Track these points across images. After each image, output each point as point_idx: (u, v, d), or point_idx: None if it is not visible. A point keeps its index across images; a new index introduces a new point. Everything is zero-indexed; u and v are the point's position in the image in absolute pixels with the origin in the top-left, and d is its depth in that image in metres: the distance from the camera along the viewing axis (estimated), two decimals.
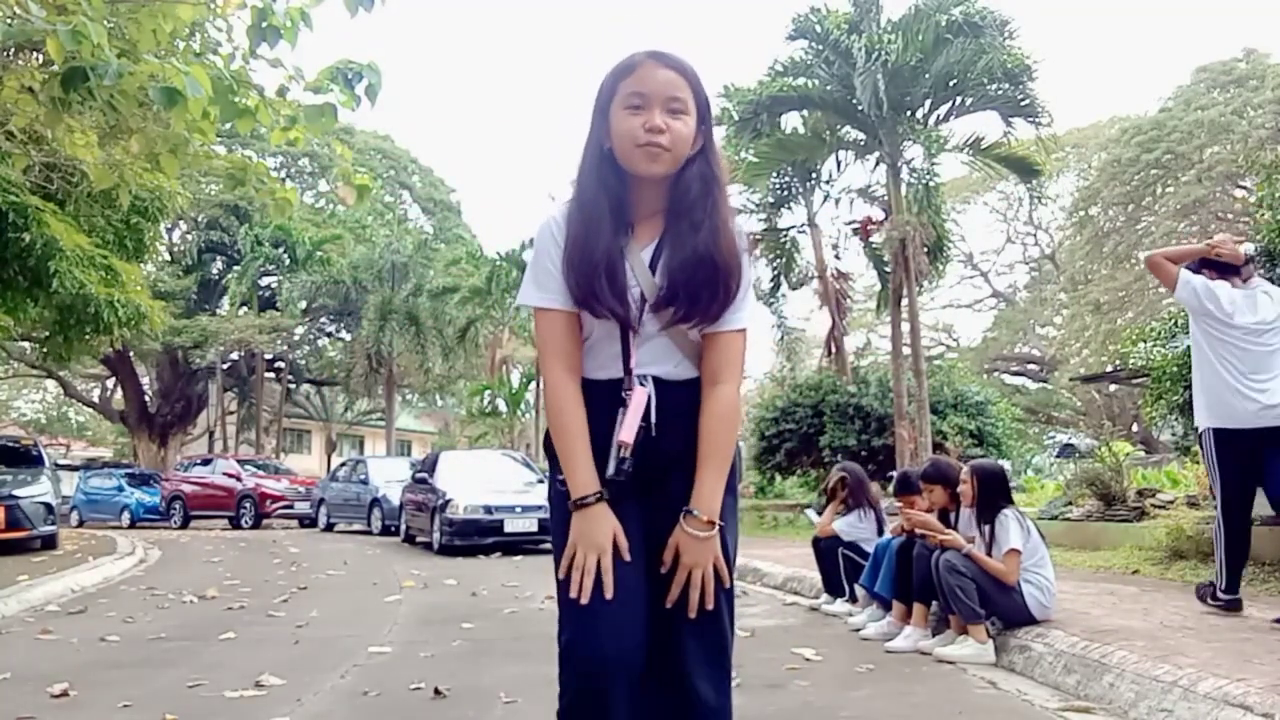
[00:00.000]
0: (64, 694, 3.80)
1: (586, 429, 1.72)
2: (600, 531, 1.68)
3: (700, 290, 1.70)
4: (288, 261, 28.62)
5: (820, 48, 14.11)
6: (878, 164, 15.10)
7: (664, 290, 1.71)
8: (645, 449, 1.70)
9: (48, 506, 11.12)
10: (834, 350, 17.30)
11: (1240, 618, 4.46)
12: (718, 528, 1.71)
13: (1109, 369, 18.60)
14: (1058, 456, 25.73)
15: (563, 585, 1.72)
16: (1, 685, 4.08)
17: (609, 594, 1.66)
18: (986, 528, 4.44)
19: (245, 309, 28.54)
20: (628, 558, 1.69)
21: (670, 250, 1.73)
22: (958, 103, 13.94)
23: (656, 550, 1.73)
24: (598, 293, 1.69)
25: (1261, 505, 4.69)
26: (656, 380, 1.74)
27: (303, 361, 33.75)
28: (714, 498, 1.71)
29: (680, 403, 1.74)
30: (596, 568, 1.67)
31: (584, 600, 1.65)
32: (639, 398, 1.71)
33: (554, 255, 1.74)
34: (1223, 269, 4.65)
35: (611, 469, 1.69)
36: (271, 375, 32.35)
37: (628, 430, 1.68)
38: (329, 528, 17.43)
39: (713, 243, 1.72)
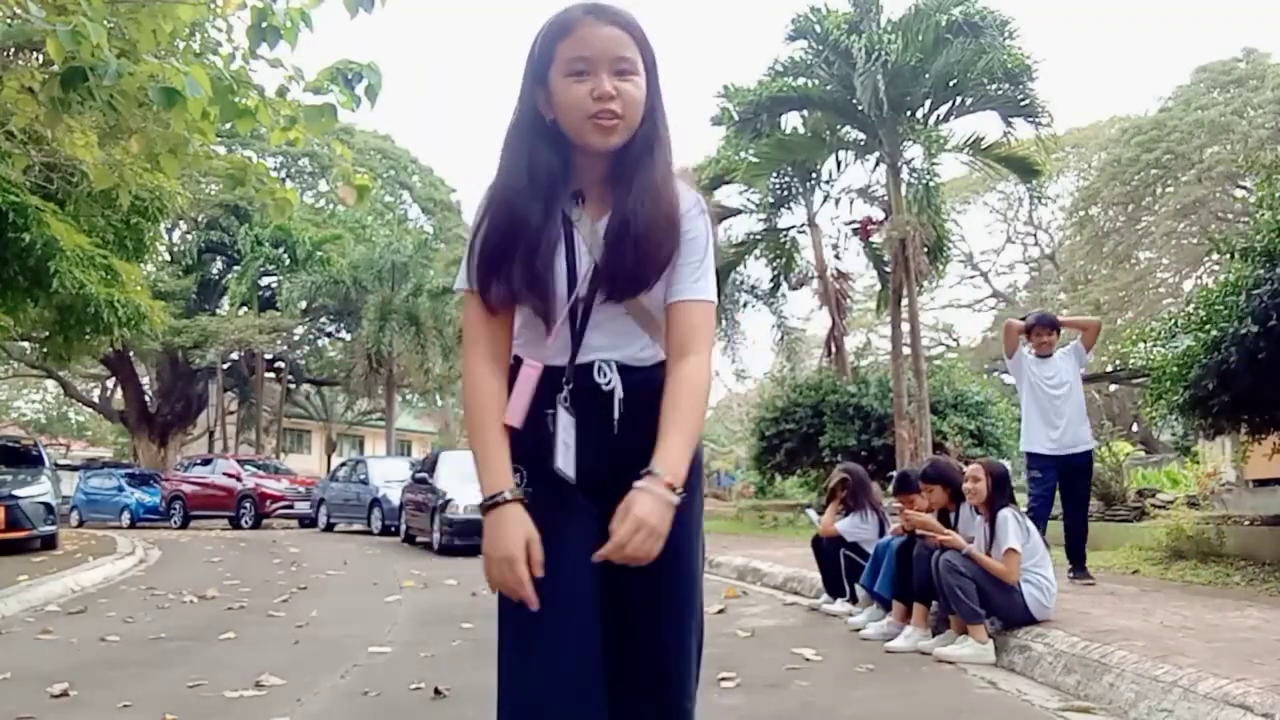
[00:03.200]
0: (64, 694, 3.80)
1: (499, 421, 1.52)
2: (510, 537, 1.46)
3: (625, 257, 1.53)
4: (288, 261, 28.62)
5: (820, 48, 14.10)
6: (878, 164, 15.09)
7: (601, 262, 1.55)
8: (608, 445, 1.54)
9: (48, 506, 11.13)
10: (834, 350, 17.30)
11: (1241, 617, 4.46)
12: (679, 499, 1.43)
13: (1109, 369, 18.59)
14: None
15: (501, 616, 1.54)
16: (1, 685, 4.08)
17: (533, 606, 1.43)
18: (987, 527, 4.45)
19: (245, 309, 28.53)
20: (539, 572, 1.45)
21: (611, 223, 1.56)
22: (958, 103, 13.93)
23: (615, 573, 1.47)
24: (530, 269, 1.52)
25: (1262, 505, 4.74)
26: (620, 367, 1.56)
27: (303, 361, 33.74)
28: (680, 463, 1.45)
29: (648, 391, 1.54)
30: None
31: (518, 633, 1.45)
32: (525, 373, 1.53)
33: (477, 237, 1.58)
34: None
35: (558, 458, 1.51)
36: (271, 375, 32.34)
37: (512, 409, 1.51)
38: (329, 528, 17.43)
39: (640, 206, 1.54)
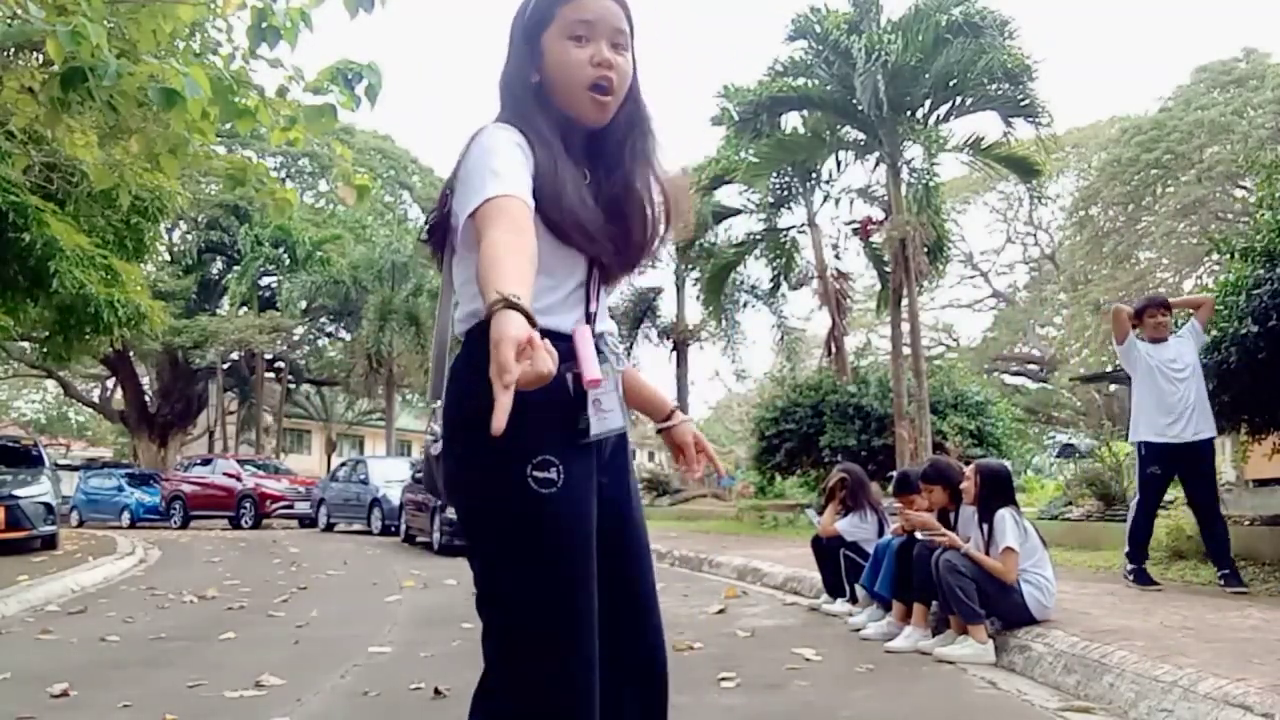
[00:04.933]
0: (64, 694, 3.80)
1: (530, 249, 1.28)
2: (520, 325, 1.13)
3: (646, 234, 1.53)
4: (288, 261, 28.63)
5: (820, 48, 14.10)
6: (878, 164, 15.09)
7: (619, 233, 1.52)
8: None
9: (48, 506, 11.13)
10: (834, 350, 17.29)
11: (1241, 617, 4.46)
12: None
13: (1109, 369, 18.59)
14: (1058, 456, 25.72)
15: (536, 604, 1.41)
16: (1, 685, 4.08)
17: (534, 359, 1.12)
18: (986, 527, 4.45)
19: (245, 309, 28.55)
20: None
21: (611, 196, 1.52)
22: (958, 103, 13.93)
23: (613, 548, 1.50)
24: (590, 228, 1.45)
25: (1262, 505, 4.73)
26: (610, 339, 1.56)
27: (303, 361, 33.75)
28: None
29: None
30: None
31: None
32: (584, 331, 1.36)
33: (522, 160, 1.40)
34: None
35: (593, 425, 1.44)
36: (271, 375, 32.34)
37: (590, 364, 1.29)
38: (329, 528, 17.44)
39: (649, 194, 1.54)
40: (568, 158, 1.46)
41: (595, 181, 1.52)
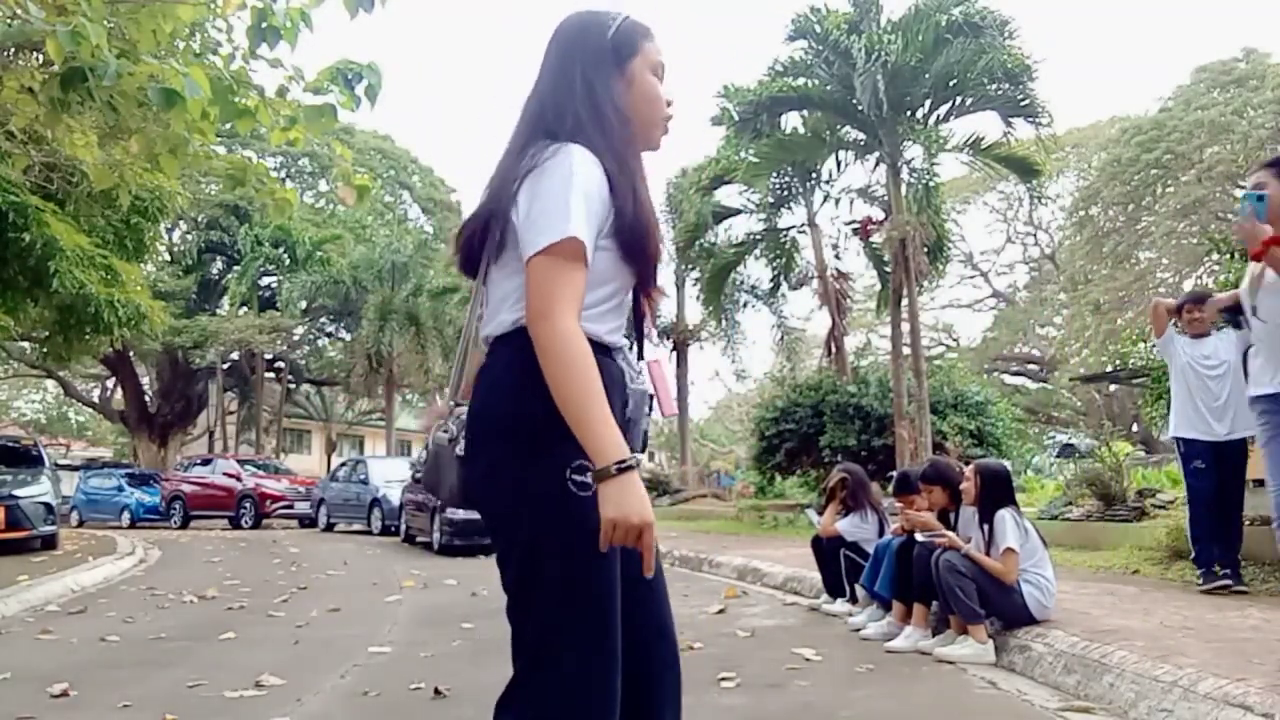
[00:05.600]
0: (64, 694, 3.80)
1: (603, 391, 1.41)
2: (645, 499, 1.37)
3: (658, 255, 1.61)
4: (288, 261, 28.63)
5: (820, 48, 14.10)
6: (878, 164, 15.09)
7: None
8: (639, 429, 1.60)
9: (48, 506, 11.13)
10: (834, 350, 17.30)
11: (1241, 617, 4.46)
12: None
13: (1109, 369, 18.59)
14: (1058, 456, 25.71)
15: (584, 598, 1.45)
16: (1, 685, 4.08)
17: (649, 573, 1.40)
18: (986, 527, 4.45)
19: (245, 309, 28.54)
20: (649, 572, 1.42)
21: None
22: (958, 103, 13.93)
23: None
24: (659, 245, 1.54)
25: (1262, 505, 4.73)
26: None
27: (303, 361, 33.75)
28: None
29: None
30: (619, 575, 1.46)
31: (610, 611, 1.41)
32: (659, 367, 1.57)
33: (605, 198, 1.48)
34: None
35: (640, 445, 1.54)
36: (271, 375, 32.34)
37: (669, 399, 1.56)
38: (329, 528, 17.44)
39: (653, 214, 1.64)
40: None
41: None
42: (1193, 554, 5.84)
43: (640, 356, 1.60)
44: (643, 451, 1.60)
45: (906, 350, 14.48)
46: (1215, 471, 5.60)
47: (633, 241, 1.50)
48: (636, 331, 1.59)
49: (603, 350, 1.48)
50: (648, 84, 1.56)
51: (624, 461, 1.36)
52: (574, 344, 1.39)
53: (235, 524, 19.27)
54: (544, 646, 1.46)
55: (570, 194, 1.42)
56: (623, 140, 1.53)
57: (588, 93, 1.55)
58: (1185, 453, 5.71)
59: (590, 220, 1.44)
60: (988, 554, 4.38)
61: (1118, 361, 16.68)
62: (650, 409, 1.58)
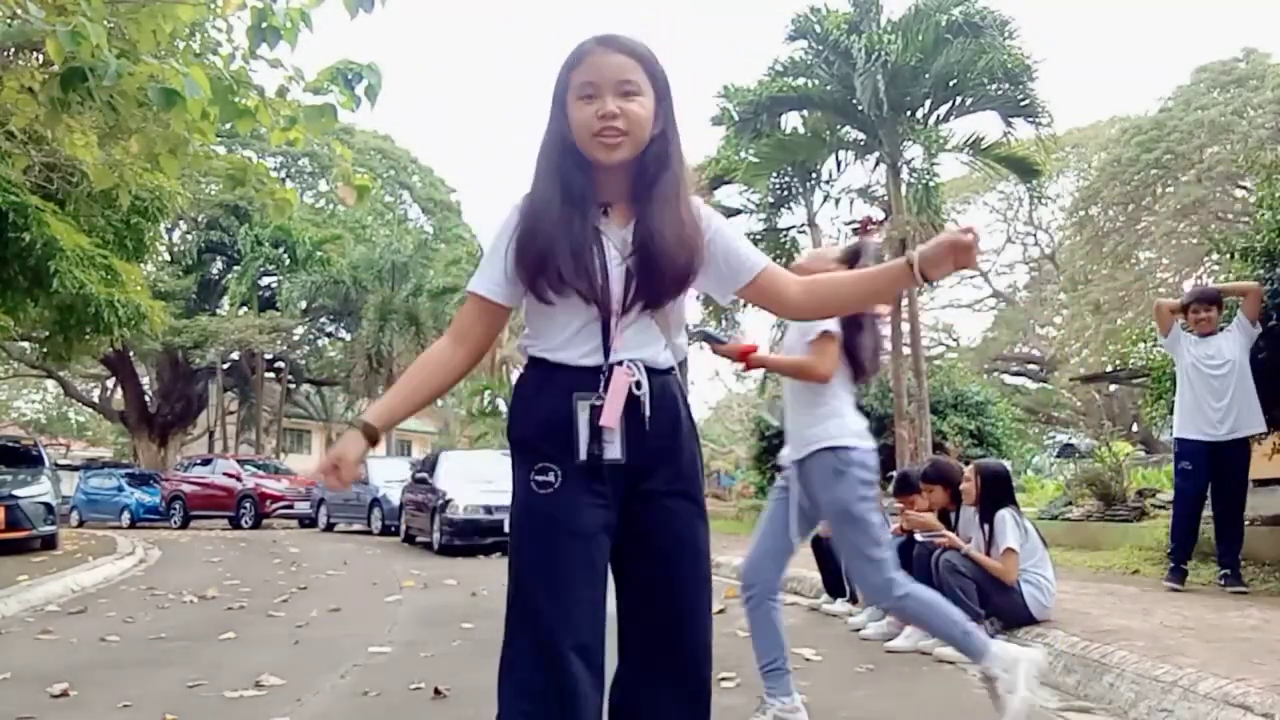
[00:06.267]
0: (64, 694, 3.80)
1: (410, 381, 1.77)
2: (342, 444, 1.70)
3: (665, 269, 1.68)
4: (288, 261, 28.62)
5: (820, 48, 14.09)
6: (878, 164, 15.09)
7: (630, 270, 1.69)
8: (638, 439, 1.68)
9: (48, 506, 11.12)
10: None
11: (1241, 617, 4.46)
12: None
13: (1109, 369, 18.58)
14: (1058, 456, 25.71)
15: (521, 568, 1.69)
16: (1, 685, 4.07)
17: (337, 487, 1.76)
18: (986, 527, 4.45)
19: (245, 309, 28.54)
20: (347, 479, 1.71)
21: (637, 234, 1.71)
22: (958, 103, 13.93)
23: (629, 551, 1.72)
24: (565, 270, 1.65)
25: (1262, 505, 4.73)
26: (646, 368, 1.70)
27: (303, 361, 33.75)
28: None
29: (666, 390, 1.72)
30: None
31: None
32: (620, 379, 1.66)
33: (501, 243, 1.74)
34: None
35: (583, 454, 1.65)
36: (271, 375, 32.34)
37: (610, 414, 1.64)
38: (329, 528, 17.44)
39: (660, 224, 1.69)
40: (574, 209, 1.69)
41: (638, 217, 1.71)
42: (1169, 550, 5.88)
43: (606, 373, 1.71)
44: (637, 457, 1.69)
45: (906, 350, 14.48)
46: (1205, 473, 5.59)
47: (523, 266, 1.71)
48: (604, 352, 1.71)
49: (576, 372, 1.69)
50: (574, 112, 1.70)
51: (354, 421, 1.72)
52: (426, 351, 1.81)
53: (235, 524, 19.27)
54: (506, 616, 1.69)
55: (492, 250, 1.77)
56: (574, 169, 1.71)
57: (542, 138, 1.77)
58: (1178, 453, 5.74)
59: (482, 267, 1.78)
60: (988, 554, 4.38)
61: (1118, 361, 16.66)
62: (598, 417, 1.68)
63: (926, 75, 13.55)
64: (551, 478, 1.66)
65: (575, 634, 1.62)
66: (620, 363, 1.68)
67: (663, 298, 1.70)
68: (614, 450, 1.66)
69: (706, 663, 1.73)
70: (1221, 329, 5.68)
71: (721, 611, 5.97)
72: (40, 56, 5.04)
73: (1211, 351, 5.57)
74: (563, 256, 1.65)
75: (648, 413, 1.68)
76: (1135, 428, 26.14)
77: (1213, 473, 5.57)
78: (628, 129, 1.67)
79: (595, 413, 1.66)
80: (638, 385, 1.68)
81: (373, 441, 1.71)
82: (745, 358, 3.19)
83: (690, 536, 1.73)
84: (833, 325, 3.06)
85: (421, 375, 1.76)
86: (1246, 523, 6.10)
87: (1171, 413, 6.05)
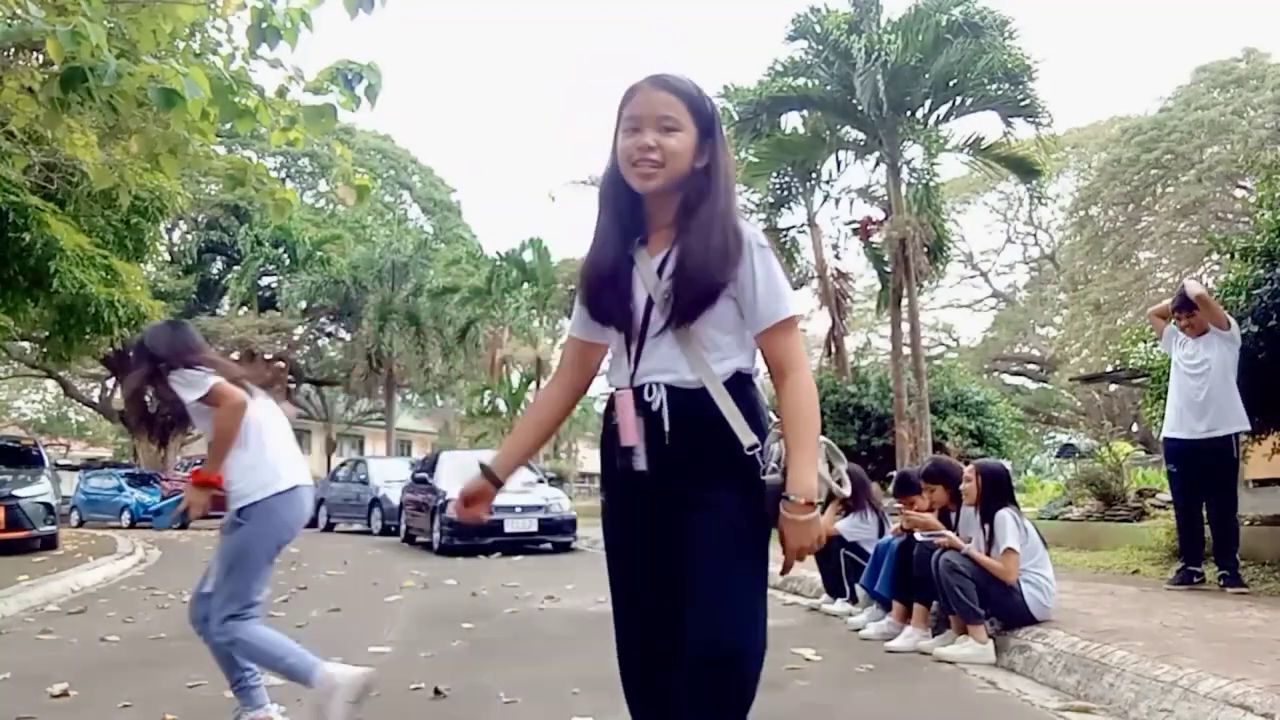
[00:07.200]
0: (64, 694, 3.80)
1: (526, 421, 2.07)
2: (469, 484, 2.03)
3: (682, 291, 1.80)
4: (288, 261, 28.62)
5: (820, 48, 14.10)
6: (878, 164, 15.09)
7: (653, 297, 1.84)
8: (660, 455, 1.82)
9: (48, 506, 11.12)
10: (834, 350, 17.29)
11: (1241, 617, 4.46)
12: (817, 507, 1.81)
13: (1109, 369, 18.56)
14: (1058, 456, 25.74)
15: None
16: (1, 685, 4.08)
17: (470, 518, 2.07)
18: (986, 527, 4.45)
19: (245, 309, 28.53)
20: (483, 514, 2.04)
21: (672, 255, 1.84)
22: (958, 103, 13.93)
23: (665, 556, 1.84)
24: (603, 300, 1.88)
25: (1262, 505, 4.73)
26: (667, 387, 1.83)
27: (303, 361, 33.73)
28: (806, 478, 1.78)
29: (691, 409, 1.81)
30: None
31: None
32: (623, 400, 1.85)
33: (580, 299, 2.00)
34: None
35: (617, 463, 1.87)
36: None
37: (626, 432, 1.84)
38: (329, 528, 17.43)
39: (696, 248, 1.80)
40: (617, 239, 1.89)
41: (675, 242, 1.85)
42: (1178, 552, 5.94)
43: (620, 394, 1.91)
44: (658, 465, 1.85)
45: (906, 350, 14.48)
46: (1193, 473, 5.65)
47: (581, 293, 1.98)
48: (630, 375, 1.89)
49: (615, 395, 1.90)
50: (619, 144, 1.85)
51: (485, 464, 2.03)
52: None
53: None
54: None
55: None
56: (624, 196, 1.88)
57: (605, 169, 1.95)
58: (1165, 454, 5.86)
59: (576, 306, 2.00)
60: (988, 554, 4.38)
61: (1118, 361, 16.66)
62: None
63: (926, 75, 13.55)
64: (605, 496, 1.97)
65: (628, 632, 1.93)
66: (642, 386, 1.84)
67: (687, 315, 1.80)
68: (640, 463, 1.83)
69: (728, 665, 1.81)
70: (1212, 330, 5.72)
71: None
72: (40, 56, 5.04)
73: (1192, 352, 5.69)
74: (601, 287, 1.88)
75: (667, 428, 1.81)
76: (1135, 428, 26.14)
77: (1199, 473, 5.63)
78: (663, 161, 1.81)
79: (615, 431, 1.87)
80: (655, 404, 1.82)
81: (496, 484, 2.01)
82: None
83: (713, 543, 1.80)
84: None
85: (533, 418, 2.05)
86: (1246, 523, 6.10)
87: None
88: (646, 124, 1.82)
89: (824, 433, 1.98)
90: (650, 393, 1.83)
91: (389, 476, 16.18)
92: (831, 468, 2.00)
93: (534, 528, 11.58)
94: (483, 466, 2.00)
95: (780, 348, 1.84)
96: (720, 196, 1.85)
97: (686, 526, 1.80)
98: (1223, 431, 5.55)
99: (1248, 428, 5.68)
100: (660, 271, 1.83)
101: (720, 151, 1.88)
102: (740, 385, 1.84)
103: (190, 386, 3.11)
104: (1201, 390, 5.58)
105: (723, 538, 1.80)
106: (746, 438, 1.79)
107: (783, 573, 1.87)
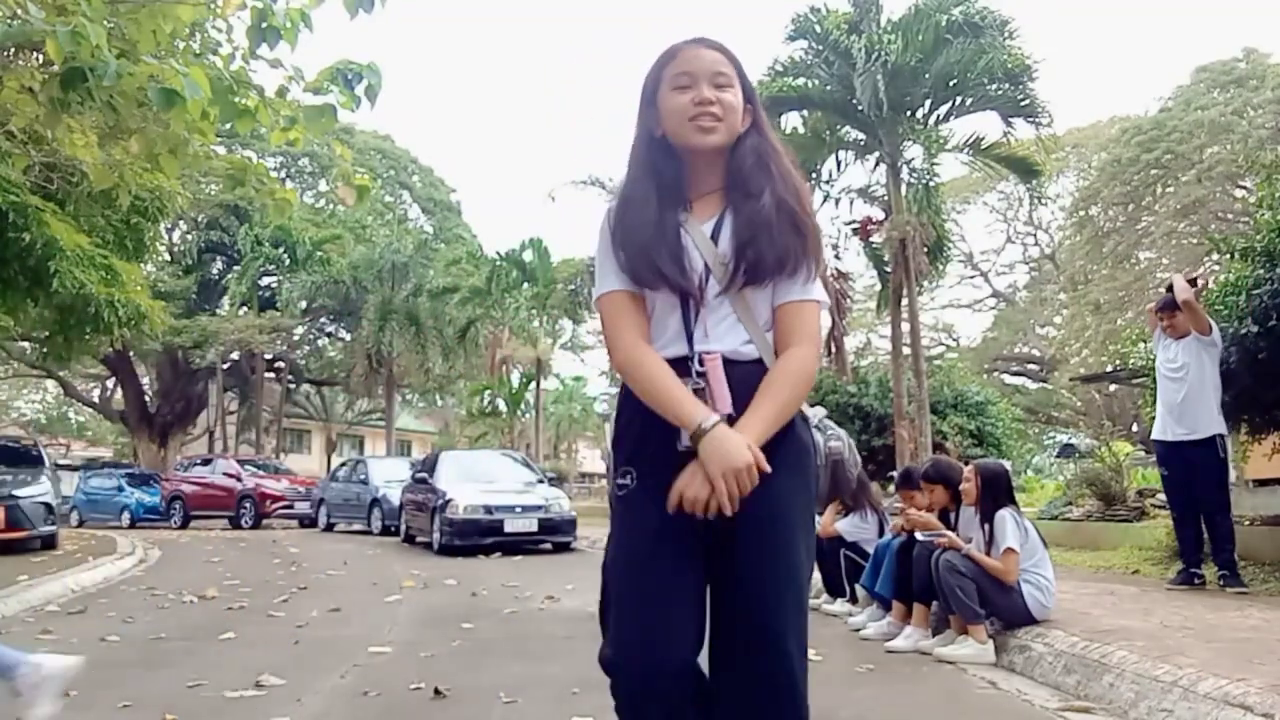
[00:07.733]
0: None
1: (672, 375, 1.70)
2: (737, 448, 1.59)
3: (765, 252, 1.71)
4: (288, 261, 28.61)
5: (820, 48, 14.09)
6: (878, 164, 15.08)
7: (730, 257, 1.72)
8: None
9: (48, 506, 11.11)
10: (834, 350, 17.27)
11: (1241, 617, 4.46)
12: (746, 446, 1.61)
13: (1109, 369, 18.56)
14: (1058, 456, 25.73)
15: (615, 584, 1.75)
16: (1, 685, 4.07)
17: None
18: (986, 527, 4.45)
19: (245, 309, 28.52)
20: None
21: (733, 221, 1.75)
22: (958, 103, 13.92)
23: (715, 550, 1.70)
24: (657, 264, 1.71)
25: (1262, 505, 4.73)
26: (724, 358, 1.72)
27: (303, 361, 33.73)
28: (755, 428, 1.64)
29: (747, 383, 1.71)
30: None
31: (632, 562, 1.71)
32: (716, 366, 1.69)
33: (607, 243, 1.79)
34: None
35: (687, 441, 1.65)
36: (271, 375, 32.32)
37: (722, 399, 1.67)
38: (329, 528, 17.43)
39: (777, 207, 1.74)
40: (665, 203, 1.76)
41: (733, 205, 1.77)
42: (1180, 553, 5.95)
43: (697, 360, 1.74)
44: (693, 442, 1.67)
45: (906, 350, 14.48)
46: (1181, 474, 5.69)
47: (622, 259, 1.77)
48: (688, 342, 1.75)
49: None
50: (668, 103, 1.77)
51: (705, 423, 1.63)
52: (630, 356, 1.76)
53: (235, 524, 19.26)
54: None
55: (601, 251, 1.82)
56: (663, 162, 1.78)
57: (634, 138, 1.85)
58: (1155, 457, 5.94)
59: (599, 272, 1.81)
60: (988, 554, 4.38)
61: (1118, 361, 16.66)
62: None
63: (926, 75, 13.54)
64: (629, 480, 1.76)
65: (644, 631, 1.70)
66: (697, 355, 1.72)
67: (757, 276, 1.72)
68: (685, 438, 1.67)
69: (771, 652, 1.67)
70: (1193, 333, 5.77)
71: None
72: (40, 56, 5.03)
73: (1172, 355, 5.74)
74: (656, 249, 1.71)
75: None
76: (1135, 428, 26.12)
77: (1189, 474, 5.66)
78: (723, 115, 1.74)
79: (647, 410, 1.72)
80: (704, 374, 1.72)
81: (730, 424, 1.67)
82: None
83: (768, 518, 1.70)
84: None
85: (667, 370, 1.71)
86: (1246, 523, 6.11)
87: None
88: (701, 79, 1.75)
89: None
90: (702, 363, 1.71)
91: (389, 476, 16.18)
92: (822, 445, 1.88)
93: (534, 528, 11.58)
94: (714, 422, 1.63)
95: (799, 320, 1.75)
96: (781, 156, 1.81)
97: (751, 519, 1.66)
98: (1202, 434, 5.58)
99: (1223, 431, 5.69)
100: (715, 236, 1.75)
101: (762, 115, 1.83)
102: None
103: None
104: (1179, 393, 5.64)
105: (776, 522, 1.71)
106: (807, 408, 1.75)
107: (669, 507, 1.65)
